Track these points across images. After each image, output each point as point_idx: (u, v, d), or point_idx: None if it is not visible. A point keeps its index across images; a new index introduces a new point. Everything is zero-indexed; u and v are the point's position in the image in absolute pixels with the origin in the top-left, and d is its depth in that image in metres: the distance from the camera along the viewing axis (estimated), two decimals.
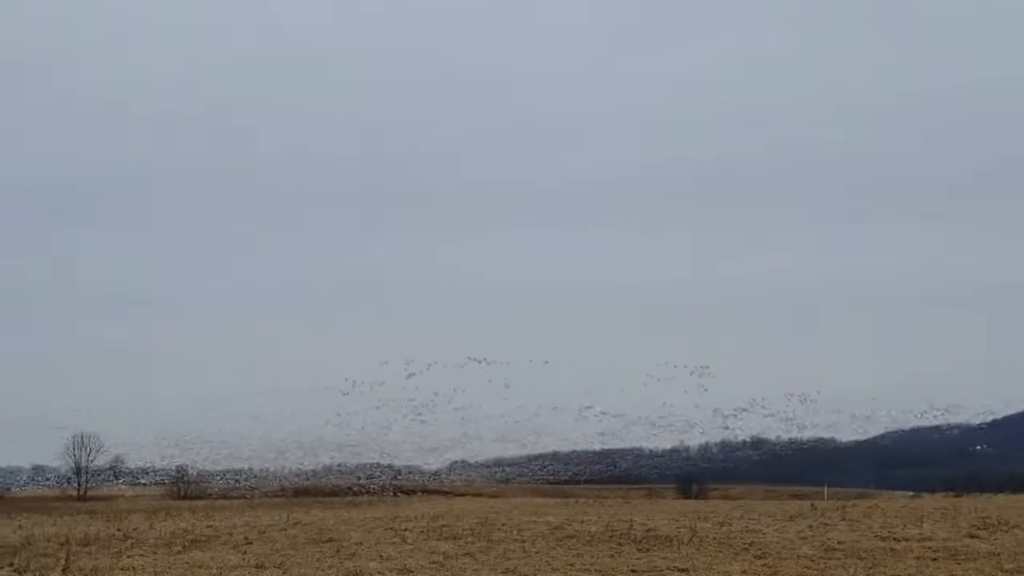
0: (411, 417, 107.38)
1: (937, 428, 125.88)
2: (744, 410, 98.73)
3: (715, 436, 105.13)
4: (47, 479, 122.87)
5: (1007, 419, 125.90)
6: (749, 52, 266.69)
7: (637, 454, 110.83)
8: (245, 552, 32.59)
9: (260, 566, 28.50)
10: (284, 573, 26.99)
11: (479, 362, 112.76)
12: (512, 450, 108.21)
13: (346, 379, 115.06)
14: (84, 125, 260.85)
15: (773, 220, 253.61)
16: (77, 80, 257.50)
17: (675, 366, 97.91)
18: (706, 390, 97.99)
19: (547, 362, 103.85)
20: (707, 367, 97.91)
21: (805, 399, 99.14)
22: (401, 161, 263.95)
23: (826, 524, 42.02)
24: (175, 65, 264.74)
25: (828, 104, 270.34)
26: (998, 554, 29.53)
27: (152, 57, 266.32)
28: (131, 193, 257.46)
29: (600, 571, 26.86)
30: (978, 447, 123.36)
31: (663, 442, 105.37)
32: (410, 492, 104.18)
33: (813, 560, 28.53)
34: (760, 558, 29.19)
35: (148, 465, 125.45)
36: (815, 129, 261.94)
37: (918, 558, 28.71)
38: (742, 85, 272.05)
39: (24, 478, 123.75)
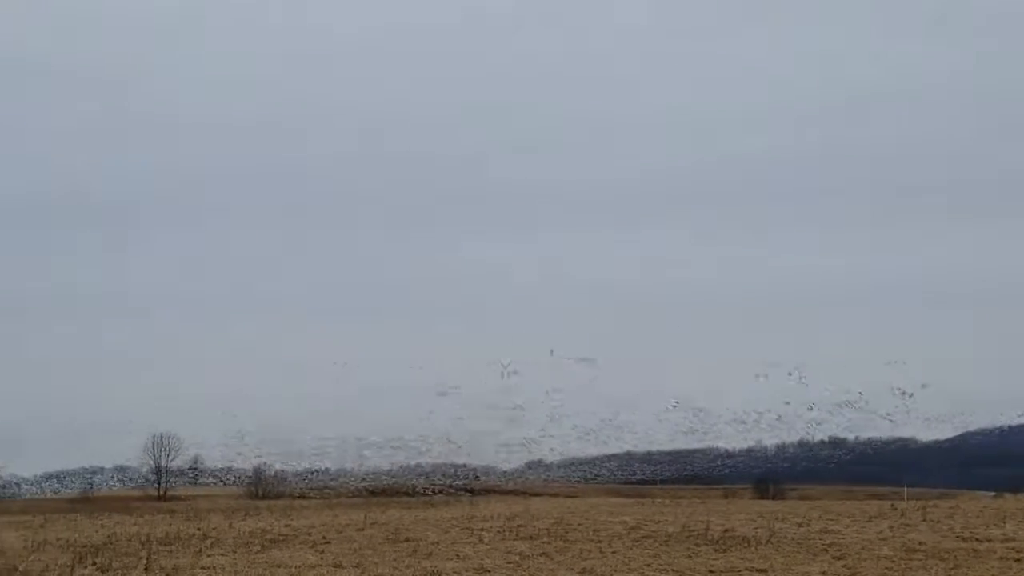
0: (496, 417, 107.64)
1: (1019, 427, 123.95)
2: (846, 404, 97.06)
3: (813, 434, 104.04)
4: (129, 479, 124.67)
5: None
6: (800, 52, 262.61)
7: (713, 454, 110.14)
8: (323, 551, 32.84)
9: (338, 565, 28.70)
10: (362, 572, 27.15)
11: (573, 360, 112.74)
12: (588, 449, 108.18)
13: (440, 380, 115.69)
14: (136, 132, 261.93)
15: (840, 218, 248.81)
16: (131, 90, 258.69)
17: (769, 364, 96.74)
18: (805, 384, 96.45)
19: (641, 361, 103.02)
20: (801, 365, 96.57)
21: (905, 393, 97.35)
22: (451, 162, 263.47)
23: (907, 525, 41.49)
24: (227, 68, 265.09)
25: (883, 101, 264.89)
26: None
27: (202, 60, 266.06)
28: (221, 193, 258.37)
29: (677, 571, 26.75)
30: None
31: (744, 441, 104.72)
32: (486, 492, 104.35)
33: (893, 561, 28.18)
34: (839, 559, 28.89)
35: (227, 465, 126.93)
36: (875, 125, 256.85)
37: (1001, 559, 28.26)
38: (798, 83, 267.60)
39: (106, 478, 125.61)
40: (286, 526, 47.55)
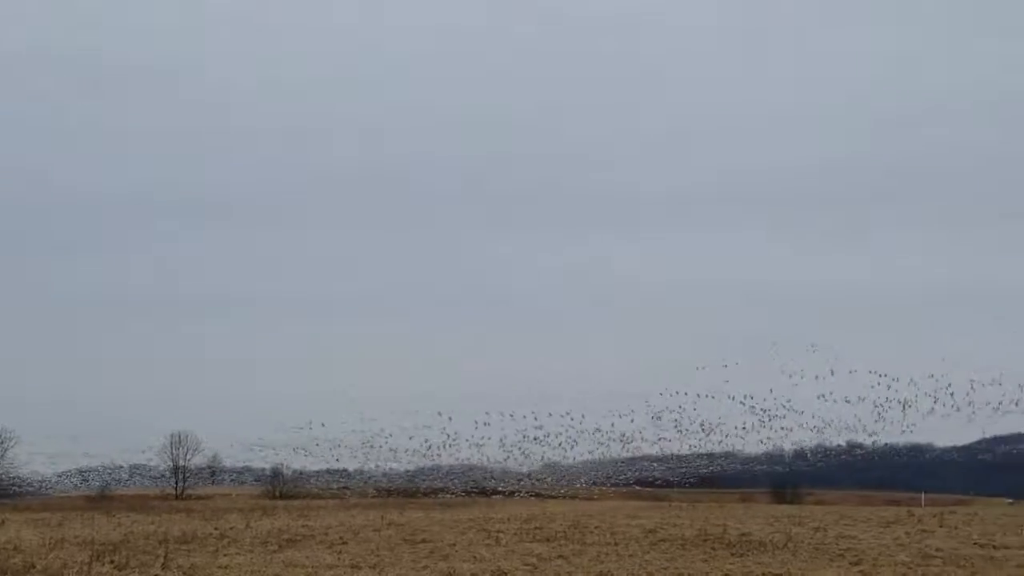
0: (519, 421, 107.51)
1: None
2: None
3: (831, 438, 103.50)
4: (147, 478, 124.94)
5: None
6: (877, 52, 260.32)
7: (731, 458, 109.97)
8: (340, 552, 32.95)
9: (355, 566, 28.80)
10: (379, 573, 27.24)
11: None
12: (606, 451, 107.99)
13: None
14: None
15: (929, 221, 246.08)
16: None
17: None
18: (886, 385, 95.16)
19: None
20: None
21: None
22: (533, 162, 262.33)
23: (924, 531, 41.44)
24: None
25: (963, 104, 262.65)
26: None
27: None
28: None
29: (693, 575, 26.78)
30: None
31: (763, 445, 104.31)
32: (505, 494, 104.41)
33: (910, 567, 28.17)
34: (856, 564, 28.88)
35: (244, 464, 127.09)
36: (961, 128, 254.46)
37: (1018, 566, 28.22)
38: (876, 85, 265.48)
39: (124, 476, 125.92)
40: (303, 526, 47.69)
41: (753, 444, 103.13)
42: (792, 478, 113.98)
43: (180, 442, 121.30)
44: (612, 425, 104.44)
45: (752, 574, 26.81)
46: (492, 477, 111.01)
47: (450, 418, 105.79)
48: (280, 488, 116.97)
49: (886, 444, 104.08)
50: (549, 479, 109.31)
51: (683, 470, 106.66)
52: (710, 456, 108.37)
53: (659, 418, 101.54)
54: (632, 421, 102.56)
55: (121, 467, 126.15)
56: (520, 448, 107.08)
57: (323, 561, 30.14)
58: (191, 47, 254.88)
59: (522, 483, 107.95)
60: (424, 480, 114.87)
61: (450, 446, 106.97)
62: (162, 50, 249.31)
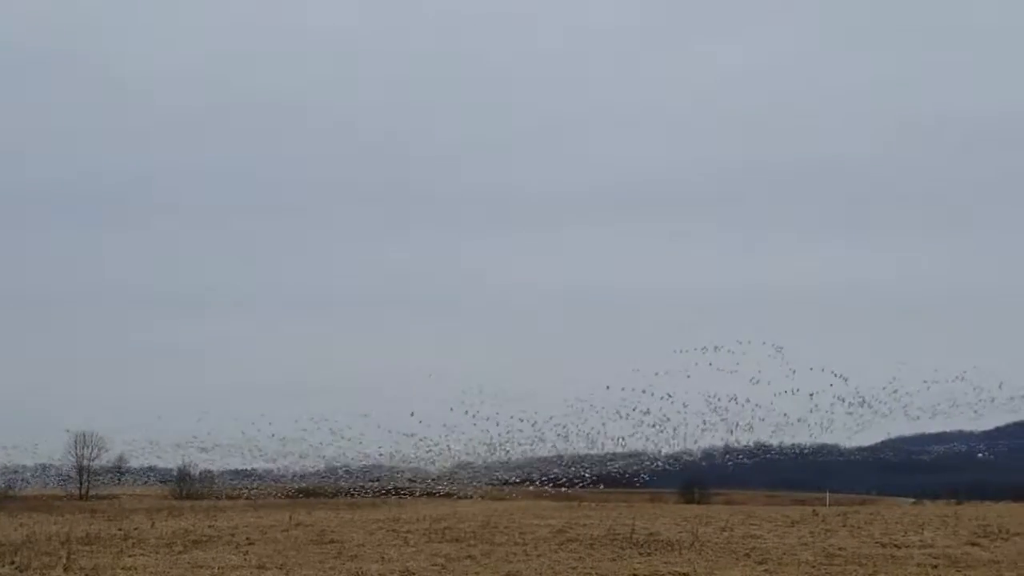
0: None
1: (941, 435, 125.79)
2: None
3: (739, 439, 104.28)
4: (51, 478, 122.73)
5: (1009, 427, 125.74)
6: (776, 53, 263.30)
7: (641, 458, 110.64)
8: (247, 553, 32.64)
9: (262, 567, 28.55)
10: (286, 574, 27.03)
11: None
12: (522, 452, 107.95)
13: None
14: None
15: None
16: None
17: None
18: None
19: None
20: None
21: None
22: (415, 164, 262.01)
23: (827, 530, 42.10)
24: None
25: (854, 111, 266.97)
26: (998, 562, 29.57)
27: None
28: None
29: (601, 575, 26.91)
30: (980, 455, 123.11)
31: (673, 446, 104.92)
32: (415, 494, 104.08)
33: (814, 566, 28.56)
34: (761, 563, 29.22)
35: (151, 464, 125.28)
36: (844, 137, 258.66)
37: (919, 565, 28.73)
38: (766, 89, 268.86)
39: (28, 476, 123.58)
40: (210, 527, 47.19)
41: (663, 444, 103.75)
42: (701, 478, 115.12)
43: (85, 442, 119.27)
44: (521, 425, 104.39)
45: (659, 573, 27.00)
46: (403, 478, 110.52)
47: (365, 415, 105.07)
48: (187, 488, 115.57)
49: (793, 444, 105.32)
50: (461, 479, 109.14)
51: (594, 470, 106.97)
52: (621, 456, 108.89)
53: (571, 420, 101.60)
54: (535, 424, 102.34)
55: (25, 467, 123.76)
56: (432, 449, 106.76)
57: (229, 562, 29.82)
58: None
59: (433, 484, 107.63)
60: (334, 481, 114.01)
61: (361, 445, 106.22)
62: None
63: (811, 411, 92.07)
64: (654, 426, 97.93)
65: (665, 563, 29.15)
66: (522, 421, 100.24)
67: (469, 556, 31.29)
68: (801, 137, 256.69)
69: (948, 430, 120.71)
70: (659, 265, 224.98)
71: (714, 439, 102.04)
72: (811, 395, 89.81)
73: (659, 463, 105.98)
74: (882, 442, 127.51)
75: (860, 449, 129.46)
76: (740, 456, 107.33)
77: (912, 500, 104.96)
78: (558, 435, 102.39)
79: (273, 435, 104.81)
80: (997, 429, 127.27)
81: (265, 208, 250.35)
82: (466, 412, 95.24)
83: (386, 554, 31.87)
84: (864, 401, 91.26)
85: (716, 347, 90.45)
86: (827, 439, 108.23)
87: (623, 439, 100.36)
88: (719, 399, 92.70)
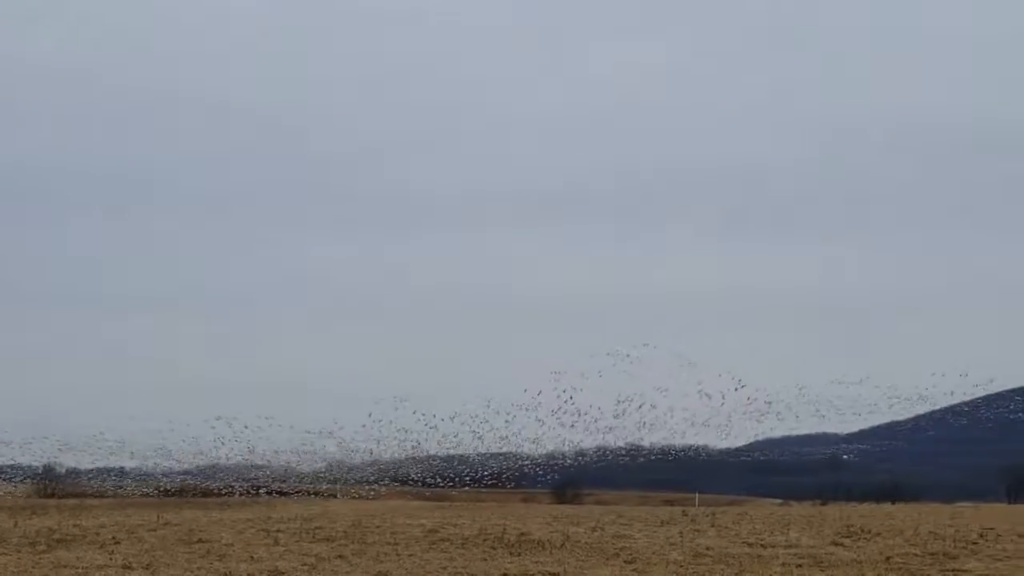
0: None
1: (808, 437, 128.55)
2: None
3: (611, 439, 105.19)
4: None
5: (873, 429, 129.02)
6: (700, 52, 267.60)
7: (515, 459, 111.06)
8: (112, 552, 32.06)
9: (127, 567, 28.09)
10: (152, 574, 26.65)
11: None
12: (394, 451, 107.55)
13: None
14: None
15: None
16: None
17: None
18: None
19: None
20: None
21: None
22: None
23: (696, 530, 42.70)
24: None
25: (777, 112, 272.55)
26: (860, 562, 30.33)
27: None
28: None
29: (472, 575, 27.01)
30: (845, 456, 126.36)
31: (549, 446, 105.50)
32: (287, 493, 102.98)
33: (682, 565, 29.01)
34: (630, 563, 29.59)
35: (14, 461, 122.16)
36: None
37: (783, 564, 29.35)
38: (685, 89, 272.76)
39: None
40: (75, 525, 46.17)
41: (537, 445, 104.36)
42: (574, 479, 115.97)
43: None
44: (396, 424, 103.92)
45: (529, 573, 27.19)
46: (275, 477, 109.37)
47: (235, 418, 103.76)
48: (53, 486, 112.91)
49: (663, 446, 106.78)
50: (333, 478, 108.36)
51: (467, 470, 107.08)
52: (494, 456, 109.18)
53: (448, 420, 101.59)
54: (434, 425, 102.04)
55: None
56: (305, 446, 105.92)
57: (94, 562, 29.28)
58: None
59: (305, 482, 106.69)
60: (204, 479, 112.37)
61: (235, 443, 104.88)
62: None
63: (714, 414, 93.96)
64: (543, 423, 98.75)
65: (536, 562, 29.35)
66: (417, 421, 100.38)
67: (340, 556, 31.17)
68: (716, 139, 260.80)
69: (813, 432, 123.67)
70: (580, 268, 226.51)
71: (589, 439, 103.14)
72: (709, 396, 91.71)
73: (529, 463, 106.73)
74: (751, 444, 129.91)
75: (730, 451, 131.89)
76: (612, 456, 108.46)
77: (780, 501, 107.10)
78: (443, 435, 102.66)
79: (141, 433, 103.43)
80: (860, 432, 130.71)
81: (185, 207, 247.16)
82: (370, 414, 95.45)
83: (255, 554, 31.58)
84: (770, 404, 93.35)
85: (626, 353, 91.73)
86: (697, 440, 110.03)
87: (505, 439, 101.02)
88: (628, 401, 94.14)
